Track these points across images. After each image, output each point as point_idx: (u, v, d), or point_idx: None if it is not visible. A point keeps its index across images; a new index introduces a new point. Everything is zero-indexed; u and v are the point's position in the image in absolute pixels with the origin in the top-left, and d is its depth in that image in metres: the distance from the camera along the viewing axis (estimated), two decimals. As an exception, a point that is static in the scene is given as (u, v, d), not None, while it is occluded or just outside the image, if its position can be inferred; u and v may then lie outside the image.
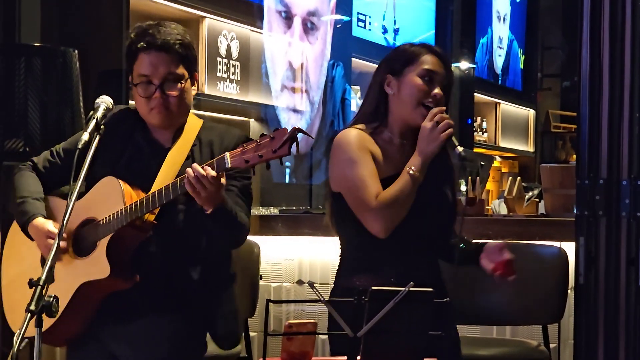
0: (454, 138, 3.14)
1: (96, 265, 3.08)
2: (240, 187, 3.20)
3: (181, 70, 3.18)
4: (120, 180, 3.13)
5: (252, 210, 6.29)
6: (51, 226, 3.16)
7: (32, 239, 3.23)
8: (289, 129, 2.83)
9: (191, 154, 3.20)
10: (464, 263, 3.30)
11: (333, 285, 3.30)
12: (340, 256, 3.31)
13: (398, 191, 3.13)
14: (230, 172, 3.12)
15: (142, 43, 3.17)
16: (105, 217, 3.10)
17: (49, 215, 3.23)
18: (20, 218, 3.25)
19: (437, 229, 3.26)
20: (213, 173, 2.93)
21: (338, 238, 3.32)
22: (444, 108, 3.19)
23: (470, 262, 3.27)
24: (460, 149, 3.13)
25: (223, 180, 2.98)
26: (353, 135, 3.20)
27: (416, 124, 3.19)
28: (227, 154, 2.92)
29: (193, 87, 3.26)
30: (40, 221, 3.19)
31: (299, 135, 2.83)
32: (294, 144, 2.84)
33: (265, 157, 2.85)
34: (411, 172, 3.13)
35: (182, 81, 3.17)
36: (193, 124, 3.26)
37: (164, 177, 3.14)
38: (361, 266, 3.21)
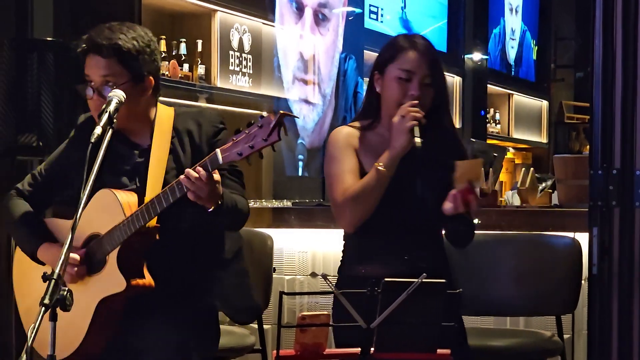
0: (416, 129, 3.09)
1: (111, 280, 3.07)
2: (229, 169, 3.18)
3: (120, 72, 3.10)
4: (114, 191, 3.10)
5: (265, 203, 6.27)
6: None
7: (42, 264, 3.22)
8: (277, 115, 2.82)
9: (173, 147, 3.17)
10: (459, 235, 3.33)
11: (338, 275, 3.31)
12: (343, 246, 3.33)
13: (362, 186, 3.15)
14: None
15: (83, 45, 3.14)
16: (109, 231, 3.08)
17: (52, 237, 3.24)
18: (27, 247, 3.24)
19: (430, 216, 3.24)
20: (205, 174, 2.91)
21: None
22: (415, 102, 3.14)
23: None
24: (418, 140, 3.06)
25: (217, 176, 2.96)
26: (339, 133, 3.26)
27: None
28: (219, 151, 2.89)
29: (145, 88, 3.16)
30: (47, 246, 3.20)
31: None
32: (282, 129, 2.83)
33: (257, 147, 2.84)
34: (379, 167, 3.14)
35: (122, 84, 3.09)
36: (164, 115, 3.22)
37: (154, 177, 3.12)
38: (362, 255, 3.23)
